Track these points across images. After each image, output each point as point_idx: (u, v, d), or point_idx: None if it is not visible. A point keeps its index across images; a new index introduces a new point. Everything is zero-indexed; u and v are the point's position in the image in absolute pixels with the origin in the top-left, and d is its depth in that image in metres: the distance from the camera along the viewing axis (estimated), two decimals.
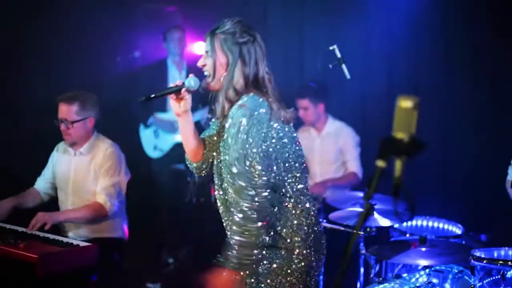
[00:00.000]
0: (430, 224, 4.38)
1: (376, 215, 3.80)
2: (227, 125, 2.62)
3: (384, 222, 3.78)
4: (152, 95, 2.65)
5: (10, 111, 5.43)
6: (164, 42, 5.94)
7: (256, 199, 2.52)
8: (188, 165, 2.92)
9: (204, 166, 2.86)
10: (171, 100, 2.73)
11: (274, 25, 5.91)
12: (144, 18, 6.44)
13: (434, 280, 3.36)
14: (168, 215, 5.96)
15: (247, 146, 2.55)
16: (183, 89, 2.68)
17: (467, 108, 5.33)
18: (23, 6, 5.43)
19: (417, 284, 3.32)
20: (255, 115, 2.58)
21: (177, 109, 2.74)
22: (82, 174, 4.04)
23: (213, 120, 2.89)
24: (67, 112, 3.95)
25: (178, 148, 5.86)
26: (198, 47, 6.10)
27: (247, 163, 2.54)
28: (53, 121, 4.01)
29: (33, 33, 5.42)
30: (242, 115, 2.57)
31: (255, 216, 2.52)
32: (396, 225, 4.15)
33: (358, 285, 4.02)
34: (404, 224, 4.27)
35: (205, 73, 2.74)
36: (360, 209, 4.01)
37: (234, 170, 2.55)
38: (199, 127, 5.65)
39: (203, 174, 2.90)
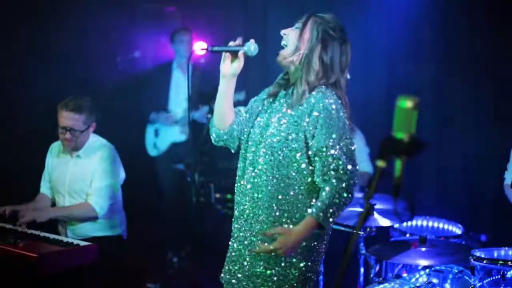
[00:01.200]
0: (430, 224, 4.38)
1: (376, 215, 3.80)
2: (315, 114, 2.64)
3: (384, 222, 3.78)
4: (215, 48, 2.74)
5: (10, 111, 5.43)
6: (172, 43, 5.94)
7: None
8: (210, 128, 2.90)
9: (225, 137, 2.86)
10: (224, 58, 2.76)
11: (274, 25, 5.89)
12: (144, 18, 6.43)
13: (434, 280, 3.36)
14: (168, 215, 5.97)
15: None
16: (241, 51, 2.73)
17: (467, 108, 5.33)
18: (23, 6, 5.42)
19: (417, 284, 3.32)
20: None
21: (226, 69, 2.77)
22: (79, 176, 4.03)
23: (254, 99, 2.92)
24: (75, 122, 3.91)
25: (174, 148, 5.89)
26: (198, 47, 6.09)
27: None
28: (53, 121, 4.00)
29: (33, 33, 5.42)
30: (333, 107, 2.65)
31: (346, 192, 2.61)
32: (396, 225, 4.15)
33: (358, 285, 4.02)
34: (404, 224, 4.27)
35: (283, 42, 2.76)
36: (360, 209, 4.02)
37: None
38: (198, 125, 5.70)
39: (219, 144, 2.90)
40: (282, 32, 2.79)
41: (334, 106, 2.66)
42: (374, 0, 5.65)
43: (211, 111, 4.64)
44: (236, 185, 2.85)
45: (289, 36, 2.76)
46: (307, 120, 2.66)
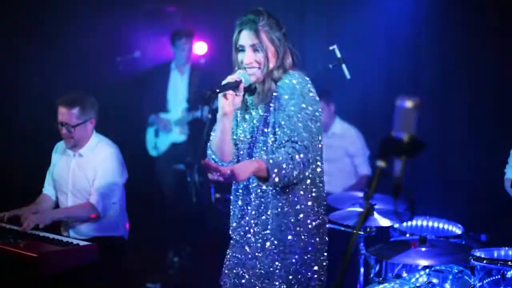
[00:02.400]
0: (430, 224, 4.37)
1: (376, 215, 3.80)
2: (286, 96, 2.68)
3: (384, 222, 3.78)
4: (217, 90, 2.62)
5: (10, 110, 5.44)
6: (172, 46, 5.92)
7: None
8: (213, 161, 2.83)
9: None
10: (222, 98, 2.67)
11: None
12: (144, 18, 6.44)
13: (434, 280, 3.36)
14: (168, 215, 5.97)
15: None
16: (241, 85, 2.67)
17: (467, 108, 5.33)
18: (23, 6, 5.43)
19: (417, 284, 3.32)
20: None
21: (228, 107, 2.68)
22: (82, 175, 4.03)
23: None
24: (67, 116, 3.93)
25: (173, 148, 5.90)
26: (198, 47, 6.10)
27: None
28: (53, 121, 4.01)
29: (33, 33, 5.43)
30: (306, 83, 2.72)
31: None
32: (396, 225, 4.14)
33: (358, 285, 4.02)
34: (404, 224, 4.26)
35: (252, 69, 2.71)
36: (360, 209, 4.02)
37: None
38: (201, 123, 5.69)
39: None
40: (248, 61, 2.71)
41: (295, 81, 2.71)
42: (374, 0, 5.65)
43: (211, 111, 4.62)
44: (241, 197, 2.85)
45: (258, 60, 2.71)
46: (273, 102, 2.72)
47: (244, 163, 2.58)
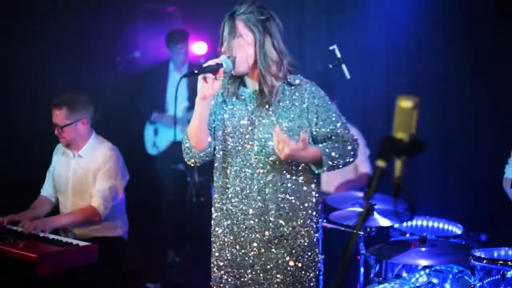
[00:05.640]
0: (430, 224, 4.38)
1: (376, 215, 3.80)
2: (315, 102, 2.76)
3: (384, 222, 3.78)
4: (195, 71, 2.62)
5: (10, 111, 5.43)
6: (168, 47, 5.90)
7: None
8: (192, 155, 2.79)
9: (207, 156, 2.83)
10: (201, 81, 2.65)
11: None
12: (144, 18, 6.44)
13: (434, 280, 3.36)
14: (168, 215, 5.97)
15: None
16: (221, 69, 2.64)
17: (467, 108, 5.33)
18: (23, 6, 5.43)
19: (417, 284, 3.32)
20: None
21: (206, 90, 2.66)
22: (81, 176, 4.04)
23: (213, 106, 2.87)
24: (57, 117, 3.97)
25: (174, 147, 5.89)
26: (198, 47, 6.10)
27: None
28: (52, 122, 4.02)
29: (33, 33, 5.42)
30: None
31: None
32: (396, 225, 4.15)
33: (358, 285, 4.02)
34: (404, 224, 4.27)
35: (229, 58, 2.69)
36: (360, 209, 4.02)
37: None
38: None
39: (195, 164, 2.84)
40: (223, 53, 2.73)
41: (319, 90, 2.81)
42: (374, 0, 5.65)
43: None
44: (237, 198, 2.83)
45: (232, 49, 2.71)
46: (306, 112, 2.75)
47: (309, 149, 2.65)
